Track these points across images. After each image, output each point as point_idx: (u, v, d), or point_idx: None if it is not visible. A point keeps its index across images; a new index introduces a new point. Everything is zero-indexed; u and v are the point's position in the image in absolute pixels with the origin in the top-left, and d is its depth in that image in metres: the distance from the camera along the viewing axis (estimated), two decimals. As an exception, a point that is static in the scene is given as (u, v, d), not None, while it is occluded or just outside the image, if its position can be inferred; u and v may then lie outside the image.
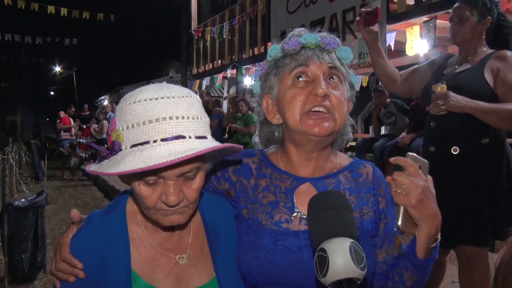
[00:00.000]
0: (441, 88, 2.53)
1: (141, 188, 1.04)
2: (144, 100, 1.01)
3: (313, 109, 1.18)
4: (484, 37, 2.60)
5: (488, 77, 2.49)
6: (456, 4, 2.66)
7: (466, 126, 2.52)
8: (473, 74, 2.54)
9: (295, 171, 1.29)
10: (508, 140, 2.69)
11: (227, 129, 8.19)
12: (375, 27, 2.61)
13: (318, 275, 0.81)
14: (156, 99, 1.01)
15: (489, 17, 2.56)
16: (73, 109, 14.33)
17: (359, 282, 0.80)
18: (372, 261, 1.22)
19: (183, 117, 1.01)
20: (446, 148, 2.61)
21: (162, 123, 0.99)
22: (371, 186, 1.29)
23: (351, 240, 0.82)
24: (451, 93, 2.47)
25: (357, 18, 2.64)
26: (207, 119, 1.09)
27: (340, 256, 0.79)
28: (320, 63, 1.20)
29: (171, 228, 1.15)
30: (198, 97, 1.12)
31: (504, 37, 2.61)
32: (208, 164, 1.16)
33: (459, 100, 2.44)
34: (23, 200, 4.27)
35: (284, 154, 1.32)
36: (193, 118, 1.03)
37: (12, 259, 4.09)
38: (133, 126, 1.00)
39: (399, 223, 1.10)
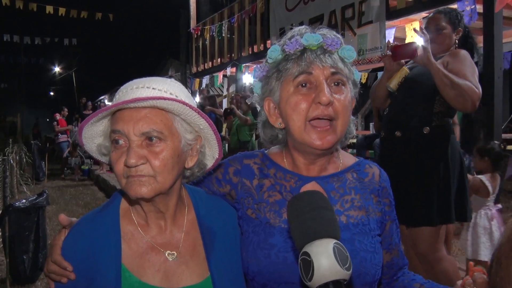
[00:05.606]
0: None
1: (112, 155, 1.08)
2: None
3: (317, 117, 1.16)
4: (456, 46, 2.85)
5: None
6: (431, 15, 2.94)
7: (410, 112, 2.69)
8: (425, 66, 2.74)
9: (300, 171, 1.28)
10: (508, 135, 2.72)
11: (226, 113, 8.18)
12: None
13: (304, 279, 0.79)
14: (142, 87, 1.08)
15: (459, 28, 2.86)
16: (65, 110, 14.10)
17: (345, 282, 0.78)
18: (382, 256, 1.23)
19: (160, 90, 1.08)
20: (391, 131, 2.80)
21: (139, 90, 1.07)
22: (376, 187, 1.29)
23: (334, 240, 0.80)
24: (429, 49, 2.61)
25: (388, 52, 2.77)
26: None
27: (325, 258, 0.77)
28: (323, 66, 1.16)
29: (161, 220, 1.15)
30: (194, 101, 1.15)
31: (469, 46, 2.90)
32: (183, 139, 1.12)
33: (429, 56, 2.60)
34: (24, 201, 4.28)
35: (289, 155, 1.30)
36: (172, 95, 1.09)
37: (13, 260, 4.09)
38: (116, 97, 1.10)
39: None
